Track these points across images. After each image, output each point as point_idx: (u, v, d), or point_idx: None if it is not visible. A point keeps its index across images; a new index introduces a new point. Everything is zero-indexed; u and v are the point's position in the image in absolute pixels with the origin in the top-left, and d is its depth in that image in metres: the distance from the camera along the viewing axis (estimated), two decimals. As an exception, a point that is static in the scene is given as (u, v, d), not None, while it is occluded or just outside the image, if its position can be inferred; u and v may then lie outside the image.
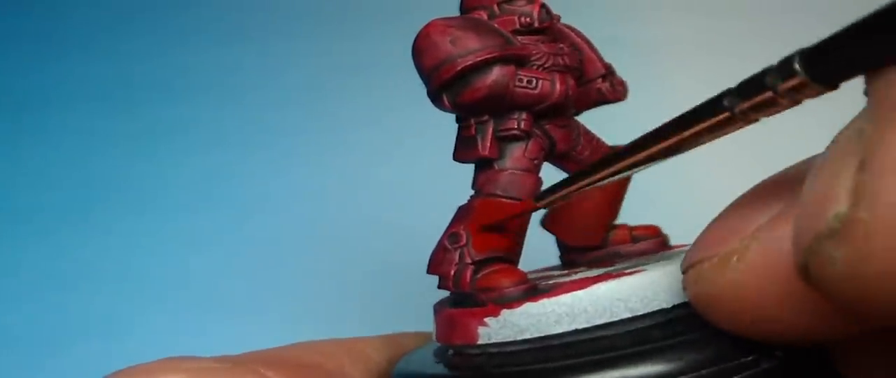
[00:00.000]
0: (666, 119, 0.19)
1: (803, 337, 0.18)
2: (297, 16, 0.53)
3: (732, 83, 0.17)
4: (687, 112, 0.18)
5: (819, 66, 0.15)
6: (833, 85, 0.16)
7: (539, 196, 0.22)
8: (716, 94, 0.17)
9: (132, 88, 0.51)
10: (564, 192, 0.21)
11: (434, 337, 0.24)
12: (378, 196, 0.48)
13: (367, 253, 0.46)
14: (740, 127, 0.17)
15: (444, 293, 0.23)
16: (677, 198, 0.39)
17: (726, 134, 0.17)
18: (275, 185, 0.49)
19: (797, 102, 0.16)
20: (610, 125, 0.27)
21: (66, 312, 0.46)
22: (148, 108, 0.51)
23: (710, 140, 0.18)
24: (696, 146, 0.18)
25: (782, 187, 0.18)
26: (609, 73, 0.26)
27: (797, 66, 0.16)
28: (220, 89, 0.52)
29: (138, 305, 0.46)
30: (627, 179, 0.26)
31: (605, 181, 0.20)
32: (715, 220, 0.19)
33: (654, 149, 0.18)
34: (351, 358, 0.26)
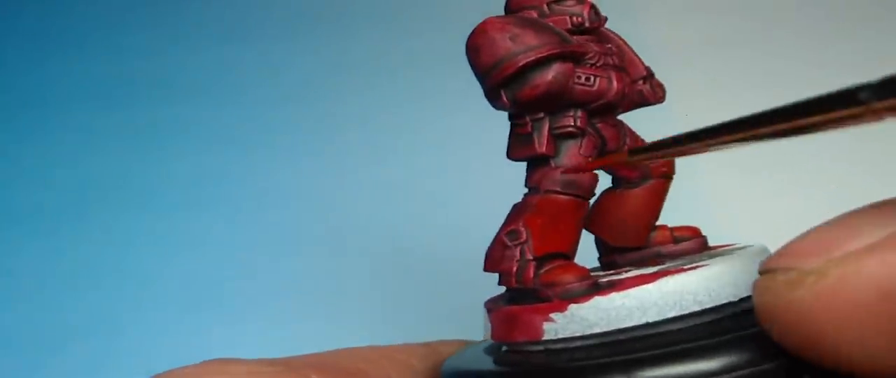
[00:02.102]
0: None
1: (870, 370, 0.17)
2: (296, 15, 0.53)
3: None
4: (814, 98, 0.16)
5: None
6: None
7: (634, 151, 0.22)
8: (851, 87, 0.15)
9: (131, 87, 0.51)
10: (663, 151, 0.21)
11: (488, 335, 0.23)
12: (378, 195, 0.48)
13: (366, 252, 0.46)
14: (869, 122, 0.15)
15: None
16: (687, 201, 0.39)
17: (848, 127, 0.16)
18: (274, 184, 0.49)
19: None
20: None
21: (65, 312, 0.46)
22: (147, 106, 0.50)
23: (828, 130, 0.16)
24: (810, 134, 0.17)
25: (883, 217, 0.17)
26: (649, 74, 0.26)
27: None
28: (220, 88, 0.51)
29: (137, 305, 0.46)
30: (669, 180, 0.26)
31: (707, 150, 0.19)
32: (813, 230, 0.18)
33: (769, 128, 0.17)
34: (395, 367, 0.25)
